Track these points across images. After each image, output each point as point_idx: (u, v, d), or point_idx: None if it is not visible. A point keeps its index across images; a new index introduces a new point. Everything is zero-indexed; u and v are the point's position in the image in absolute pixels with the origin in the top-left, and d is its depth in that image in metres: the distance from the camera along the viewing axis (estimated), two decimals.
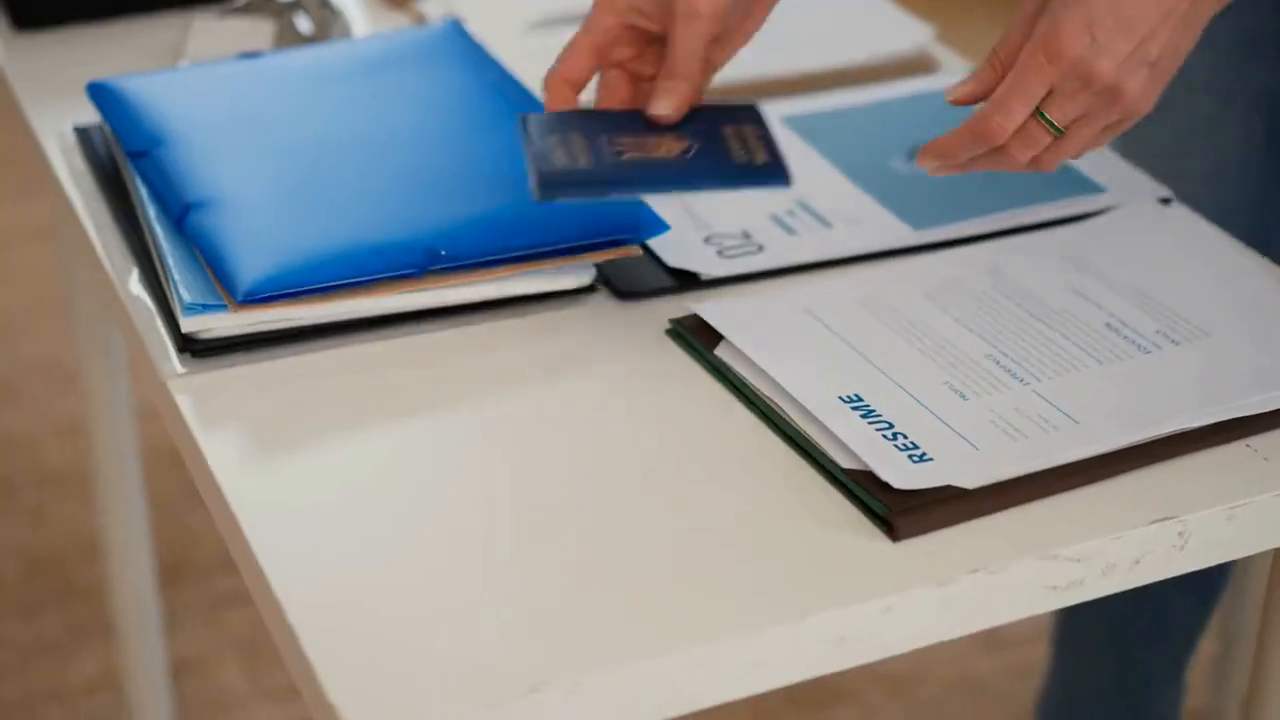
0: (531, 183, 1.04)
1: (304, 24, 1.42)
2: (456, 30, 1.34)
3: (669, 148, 1.05)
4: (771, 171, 1.05)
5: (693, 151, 1.05)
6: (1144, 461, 1.01)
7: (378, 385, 1.07)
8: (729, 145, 1.06)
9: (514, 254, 1.12)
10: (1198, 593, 1.61)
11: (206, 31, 1.42)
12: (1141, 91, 1.05)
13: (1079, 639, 1.68)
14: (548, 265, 1.13)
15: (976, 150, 1.07)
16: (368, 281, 1.09)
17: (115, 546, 1.78)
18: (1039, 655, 1.89)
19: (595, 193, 1.03)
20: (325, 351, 1.10)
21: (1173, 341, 1.10)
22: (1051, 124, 1.05)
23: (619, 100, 1.13)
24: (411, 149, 1.19)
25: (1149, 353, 1.09)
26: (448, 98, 1.26)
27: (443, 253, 1.10)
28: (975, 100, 1.08)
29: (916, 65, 1.44)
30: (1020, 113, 1.05)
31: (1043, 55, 1.03)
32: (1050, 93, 1.04)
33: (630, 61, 1.12)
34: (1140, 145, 1.34)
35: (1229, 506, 0.99)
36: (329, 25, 1.42)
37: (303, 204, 1.13)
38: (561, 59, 1.11)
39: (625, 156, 1.04)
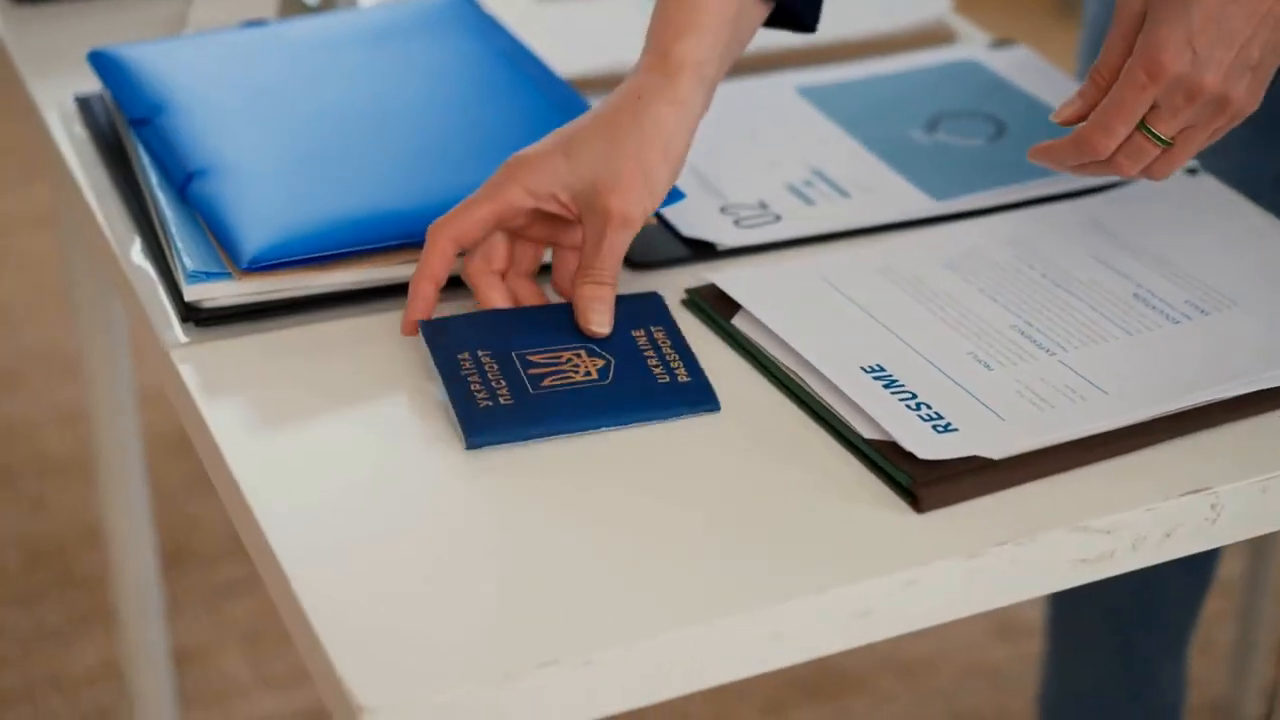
0: (459, 427, 0.96)
1: None
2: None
3: (587, 366, 1.00)
4: (699, 393, 0.99)
5: (612, 370, 1.00)
6: (1175, 433, 0.98)
7: (387, 356, 1.04)
8: (646, 358, 1.01)
9: None
10: (1192, 571, 1.58)
11: (209, 1, 1.39)
12: (1248, 94, 1.03)
13: (1075, 629, 1.65)
14: None
15: (1082, 160, 1.06)
16: (376, 250, 1.06)
17: (116, 534, 1.75)
18: None
19: (526, 435, 0.96)
20: (333, 321, 1.07)
21: (1202, 312, 1.07)
22: (1159, 137, 1.04)
23: (497, 264, 1.04)
24: (419, 118, 1.16)
25: (1178, 323, 1.06)
26: (456, 66, 1.23)
27: None
28: (1081, 119, 1.06)
29: (934, 36, 1.41)
30: (1122, 130, 1.03)
31: (1144, 74, 1.01)
32: (1155, 107, 1.03)
33: (520, 229, 1.05)
34: None
35: (1263, 479, 0.96)
36: None
37: (308, 172, 1.10)
38: (456, 219, 1.02)
39: (546, 384, 0.98)
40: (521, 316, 1.03)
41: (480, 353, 1.00)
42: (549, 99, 1.18)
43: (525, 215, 1.03)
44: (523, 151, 1.03)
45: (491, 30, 1.27)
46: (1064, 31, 3.37)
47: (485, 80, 1.21)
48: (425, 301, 1.02)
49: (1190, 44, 1.00)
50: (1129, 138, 1.04)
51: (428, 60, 1.23)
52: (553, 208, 1.02)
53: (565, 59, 1.34)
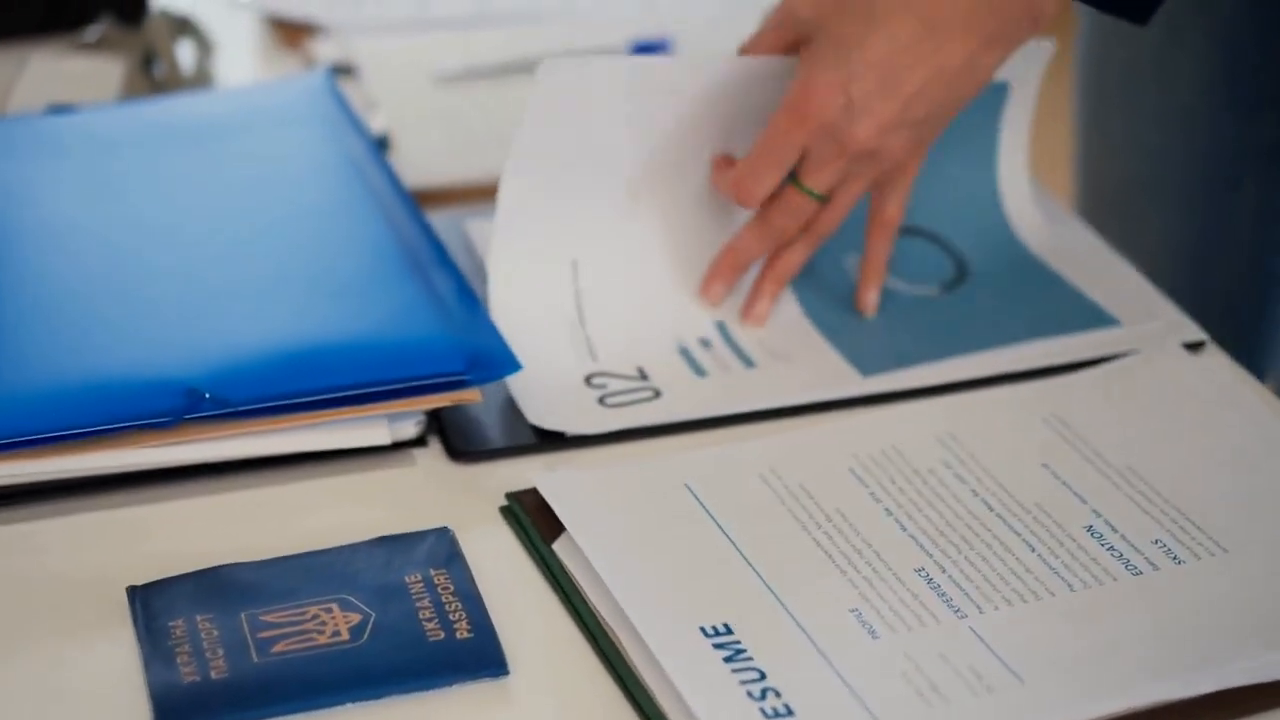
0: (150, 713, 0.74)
1: (161, 66, 1.17)
2: (324, 85, 1.08)
3: (337, 624, 0.77)
4: (481, 655, 0.76)
5: (370, 627, 0.77)
6: None
7: (106, 577, 0.80)
8: (419, 610, 0.78)
9: (307, 398, 0.85)
10: None
11: (44, 71, 1.17)
12: (904, 150, 0.92)
13: None
14: (357, 413, 0.86)
15: (739, 201, 0.94)
16: (103, 432, 0.83)
17: None
18: None
19: (242, 717, 0.73)
20: (52, 519, 0.84)
21: (1174, 560, 0.80)
22: (811, 192, 0.93)
23: None
24: (205, 248, 0.93)
25: (1139, 574, 0.80)
26: (286, 178, 1.00)
27: (207, 395, 0.83)
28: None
29: None
30: (769, 177, 0.92)
31: (790, 117, 0.90)
32: (805, 157, 0.92)
33: None
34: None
35: None
36: (185, 71, 1.16)
37: (37, 320, 0.87)
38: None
39: (279, 649, 0.75)
40: (265, 570, 0.80)
41: (200, 618, 0.77)
42: (386, 230, 0.95)
43: None
44: None
45: (345, 133, 1.03)
46: None
47: (311, 197, 0.98)
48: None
49: (845, 89, 0.89)
50: (781, 192, 0.93)
51: (252, 169, 1.00)
52: None
53: (448, 158, 1.11)
